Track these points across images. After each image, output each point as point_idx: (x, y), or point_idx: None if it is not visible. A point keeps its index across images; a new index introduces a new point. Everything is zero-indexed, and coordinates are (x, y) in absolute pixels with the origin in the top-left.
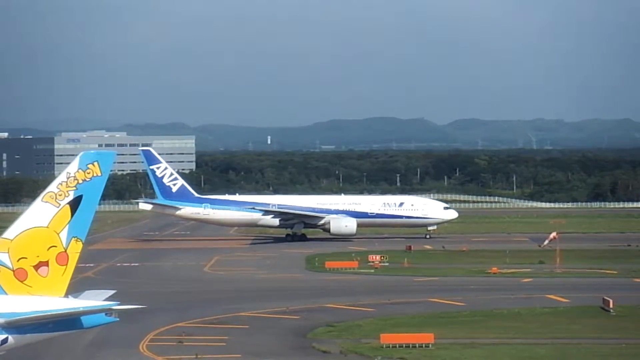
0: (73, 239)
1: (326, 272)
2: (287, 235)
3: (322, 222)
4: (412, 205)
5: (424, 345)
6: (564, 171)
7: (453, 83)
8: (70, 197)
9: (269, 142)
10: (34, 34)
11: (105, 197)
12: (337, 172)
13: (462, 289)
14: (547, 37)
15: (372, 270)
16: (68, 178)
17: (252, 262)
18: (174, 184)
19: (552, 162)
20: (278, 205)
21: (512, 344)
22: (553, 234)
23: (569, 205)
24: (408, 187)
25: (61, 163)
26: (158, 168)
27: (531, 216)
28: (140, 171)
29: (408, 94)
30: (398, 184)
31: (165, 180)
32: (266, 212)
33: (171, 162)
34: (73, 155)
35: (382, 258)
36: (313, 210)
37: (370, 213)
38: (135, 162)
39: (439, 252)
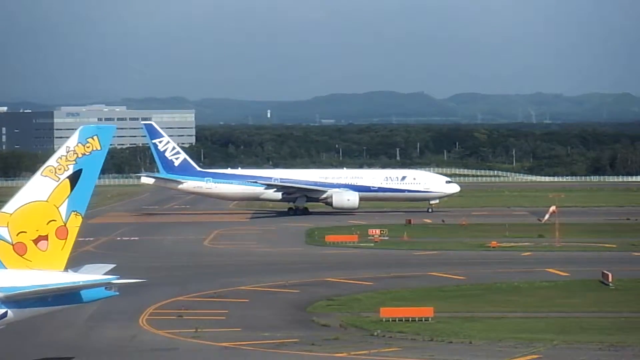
0: (73, 212)
1: (326, 245)
2: (289, 209)
3: (324, 196)
4: (414, 179)
5: (423, 319)
6: (563, 145)
7: (453, 57)
8: (70, 171)
9: (268, 115)
10: (33, 7)
11: (104, 171)
12: (337, 146)
13: (462, 263)
14: (546, 11)
15: (372, 244)
16: (68, 152)
17: (252, 236)
18: (177, 158)
19: (551, 136)
20: (280, 179)
21: (512, 318)
22: (552, 208)
23: (568, 179)
24: (408, 161)
25: (61, 137)
26: (160, 142)
27: (530, 190)
28: (140, 145)
29: (408, 68)
30: (398, 157)
31: (167, 154)
32: (269, 186)
33: (171, 136)
34: (73, 129)
35: (382, 232)
36: (315, 184)
37: (373, 187)
38: (134, 137)
39: (439, 226)
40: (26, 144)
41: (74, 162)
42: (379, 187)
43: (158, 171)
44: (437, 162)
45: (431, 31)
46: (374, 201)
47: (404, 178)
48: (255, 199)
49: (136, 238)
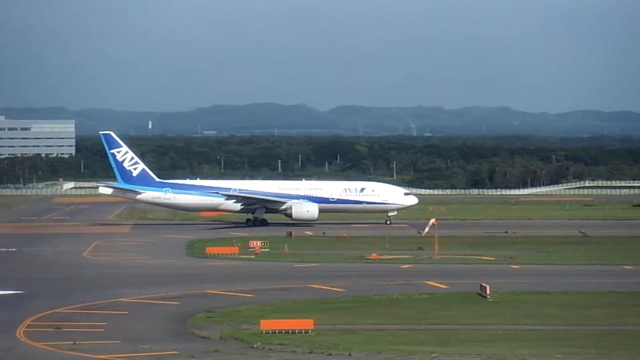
0: None
1: (206, 257)
2: (248, 220)
3: (284, 207)
4: (373, 190)
5: (303, 331)
6: (443, 158)
7: (334, 70)
8: None
9: (150, 127)
10: None
11: None
12: (218, 157)
13: (342, 275)
14: (428, 25)
15: (253, 256)
16: None
17: (132, 248)
18: (135, 168)
19: (431, 149)
20: (240, 189)
21: (391, 330)
22: (432, 221)
23: (448, 192)
24: (290, 173)
25: None
26: (119, 152)
27: None
28: (19, 155)
29: (290, 81)
30: (280, 169)
31: (126, 164)
32: (229, 197)
33: (50, 146)
34: None
35: (263, 244)
36: (275, 195)
37: (332, 198)
38: (13, 147)
39: (319, 238)
40: None
41: None
42: (337, 199)
43: (117, 181)
44: (318, 175)
45: (313, 43)
46: (333, 213)
47: (362, 190)
48: (215, 209)
49: (14, 249)
